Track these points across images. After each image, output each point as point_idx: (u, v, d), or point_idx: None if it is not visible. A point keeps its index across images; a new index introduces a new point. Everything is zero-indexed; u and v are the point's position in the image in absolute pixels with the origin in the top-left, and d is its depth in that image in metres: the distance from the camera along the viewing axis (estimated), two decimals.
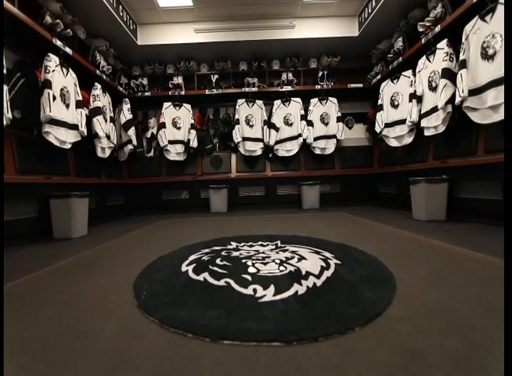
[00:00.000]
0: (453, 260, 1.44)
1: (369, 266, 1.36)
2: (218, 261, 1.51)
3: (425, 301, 0.97)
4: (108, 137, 3.79)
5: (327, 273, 1.27)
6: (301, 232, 2.34)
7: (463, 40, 2.60)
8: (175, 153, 4.62)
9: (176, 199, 4.62)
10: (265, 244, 1.93)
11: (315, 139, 4.67)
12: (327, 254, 1.58)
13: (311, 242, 1.92)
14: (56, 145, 2.82)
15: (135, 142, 4.24)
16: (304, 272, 1.28)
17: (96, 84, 3.51)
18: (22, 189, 2.22)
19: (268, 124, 4.66)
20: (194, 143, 4.58)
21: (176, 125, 4.62)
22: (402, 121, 3.70)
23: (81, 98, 3.19)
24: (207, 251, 1.76)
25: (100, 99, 3.54)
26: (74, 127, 3.07)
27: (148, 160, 4.72)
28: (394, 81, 3.88)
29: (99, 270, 1.51)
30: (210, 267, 1.40)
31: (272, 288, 1.11)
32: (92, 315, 0.97)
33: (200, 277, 1.26)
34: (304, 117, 4.64)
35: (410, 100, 3.48)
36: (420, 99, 3.34)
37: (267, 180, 4.61)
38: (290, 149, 4.69)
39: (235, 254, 1.66)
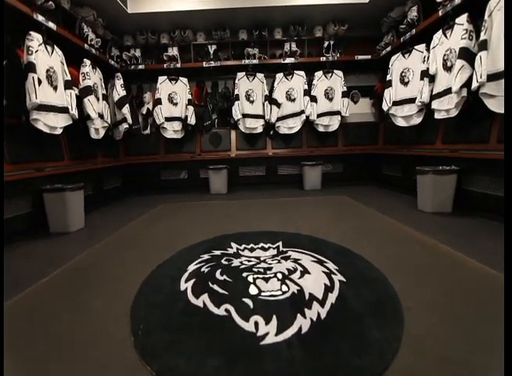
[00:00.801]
0: (461, 277, 1.39)
1: (375, 286, 1.32)
2: (217, 274, 1.47)
3: (436, 344, 0.93)
4: (101, 116, 3.61)
5: (331, 297, 1.22)
6: (302, 227, 2.28)
7: (486, 17, 2.35)
8: (173, 131, 4.45)
9: (175, 179, 4.53)
10: (266, 246, 1.87)
11: (319, 115, 4.47)
12: (331, 266, 1.53)
13: (314, 245, 1.87)
14: (46, 132, 2.67)
15: (129, 120, 4.06)
16: (307, 296, 1.24)
17: (85, 60, 3.26)
18: (14, 185, 2.12)
19: (270, 99, 4.43)
20: (192, 120, 4.39)
21: (172, 101, 4.40)
22: (412, 100, 3.49)
23: (69, 77, 2.98)
24: (206, 257, 1.71)
25: (90, 76, 3.32)
26: (64, 110, 2.90)
27: (145, 137, 4.55)
28: (406, 56, 3.61)
29: (96, 284, 1.47)
30: (210, 285, 1.36)
31: (274, 322, 1.06)
32: (87, 359, 0.93)
33: (200, 301, 1.22)
34: (307, 93, 4.40)
35: (422, 78, 3.25)
36: (432, 79, 3.12)
37: (268, 160, 4.48)
38: (292, 126, 4.51)
39: (235, 263, 1.61)
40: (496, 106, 2.32)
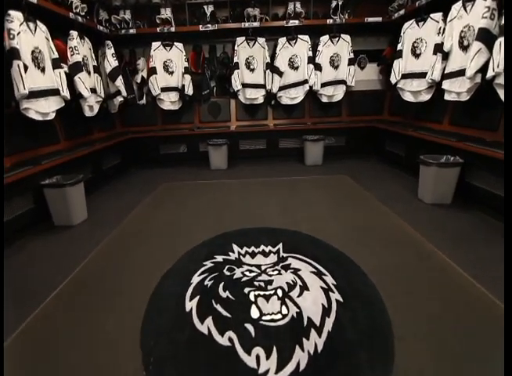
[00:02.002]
0: (457, 298, 1.46)
1: (370, 309, 1.39)
2: (220, 290, 1.53)
3: None
4: (94, 91, 3.44)
5: (328, 324, 1.29)
6: (302, 222, 2.33)
7: None
8: (170, 102, 4.28)
9: (175, 152, 4.47)
10: (266, 250, 1.93)
11: (323, 85, 4.26)
12: (329, 281, 1.59)
13: (313, 248, 1.92)
14: (39, 119, 2.57)
15: (124, 92, 3.88)
16: (305, 321, 1.31)
17: (72, 32, 3.02)
18: (13, 187, 2.10)
19: (271, 67, 4.17)
20: (189, 90, 4.19)
21: (168, 70, 4.15)
22: (422, 75, 3.31)
23: (56, 55, 2.79)
24: (209, 265, 1.77)
25: (79, 50, 3.09)
26: (55, 92, 2.76)
27: (141, 107, 4.39)
28: (420, 24, 3.32)
29: (103, 300, 1.55)
30: (214, 305, 1.43)
31: (274, 356, 1.14)
32: None
33: (205, 328, 1.29)
34: (311, 60, 4.13)
35: (435, 52, 3.04)
36: (446, 56, 2.91)
37: (269, 133, 4.37)
38: (294, 96, 4.32)
39: (237, 274, 1.67)
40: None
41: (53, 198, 2.33)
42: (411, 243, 1.99)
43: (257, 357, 1.15)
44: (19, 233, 2.26)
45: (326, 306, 1.41)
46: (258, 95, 4.35)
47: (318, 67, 4.14)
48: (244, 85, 4.26)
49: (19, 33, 2.30)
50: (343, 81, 4.27)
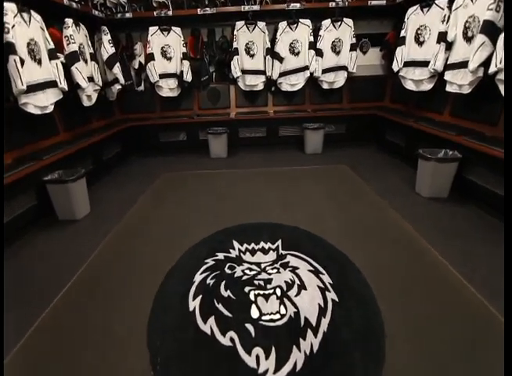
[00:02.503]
0: (446, 298, 1.53)
1: (364, 309, 1.47)
2: (222, 289, 1.61)
3: None
4: (92, 79, 3.40)
5: (324, 324, 1.37)
6: (300, 216, 2.39)
7: None
8: (168, 89, 4.23)
9: (174, 140, 4.46)
10: (266, 247, 1.99)
11: (324, 71, 4.18)
12: (325, 280, 1.66)
13: (311, 245, 1.99)
14: (38, 113, 2.57)
15: (122, 80, 3.82)
16: (302, 321, 1.39)
17: (67, 20, 2.94)
18: (15, 186, 2.13)
19: (272, 53, 4.08)
20: (188, 77, 4.12)
21: (166, 56, 4.07)
22: (425, 64, 3.26)
23: (52, 46, 2.73)
24: (210, 263, 1.84)
25: (75, 38, 3.03)
26: (52, 84, 2.73)
27: (139, 94, 4.33)
28: (424, 10, 3.24)
29: (110, 296, 1.62)
30: (216, 304, 1.51)
31: (273, 356, 1.23)
32: None
33: (207, 327, 1.37)
34: (312, 45, 4.05)
35: (438, 42, 2.98)
36: (449, 46, 2.86)
37: (269, 121, 4.33)
38: (294, 83, 4.27)
39: (238, 272, 1.74)
40: None
41: (56, 194, 2.37)
42: (406, 240, 2.06)
43: (257, 357, 1.23)
44: (23, 229, 2.31)
45: (323, 306, 1.49)
46: (258, 82, 4.29)
47: (319, 53, 4.06)
48: (244, 72, 4.19)
49: (13, 26, 2.24)
50: (344, 67, 4.20)
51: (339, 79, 4.28)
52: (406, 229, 2.18)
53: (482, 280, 1.62)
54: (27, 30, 2.44)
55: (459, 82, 2.73)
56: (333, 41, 4.08)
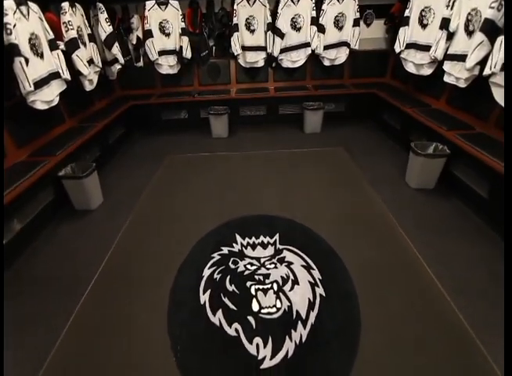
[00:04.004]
0: (418, 295, 1.82)
1: (346, 303, 1.76)
2: (227, 284, 1.89)
3: (377, 368, 1.42)
4: (92, 61, 3.41)
5: (312, 317, 1.67)
6: (297, 207, 2.62)
7: None
8: (168, 66, 4.21)
9: (176, 118, 4.52)
10: (265, 241, 2.25)
11: (326, 47, 4.13)
12: (315, 275, 1.94)
13: (304, 240, 2.25)
14: (45, 108, 2.66)
15: (121, 60, 3.82)
16: (294, 314, 1.69)
17: (63, 5, 2.90)
18: (36, 183, 2.32)
19: (273, 29, 3.99)
20: (188, 54, 4.08)
21: (164, 31, 3.99)
22: (426, 48, 3.26)
23: (52, 35, 2.75)
24: (217, 258, 2.11)
25: (73, 23, 3.00)
26: (56, 76, 2.79)
27: (138, 70, 4.31)
28: None
29: (134, 293, 1.91)
30: (222, 298, 1.80)
31: (269, 345, 1.54)
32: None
33: (216, 319, 1.68)
34: (315, 21, 3.94)
35: (441, 27, 2.96)
36: (450, 36, 2.85)
37: (269, 100, 4.36)
38: (295, 60, 4.24)
39: (240, 267, 2.01)
40: (502, 97, 2.27)
41: (71, 188, 2.57)
42: (389, 235, 2.30)
43: (257, 346, 1.54)
44: (47, 222, 2.55)
45: (312, 300, 1.78)
46: (259, 59, 4.25)
47: (321, 29, 3.97)
48: (244, 48, 4.13)
49: (15, 25, 2.25)
50: (346, 43, 4.13)
51: (340, 55, 4.23)
52: (391, 223, 2.42)
53: (452, 278, 1.89)
54: (26, 24, 2.44)
55: (457, 75, 2.78)
56: (336, 16, 3.97)
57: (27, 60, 2.35)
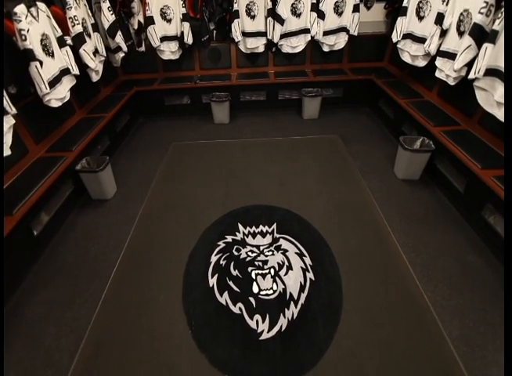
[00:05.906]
0: (392, 280, 2.15)
1: (332, 286, 2.09)
2: (232, 269, 2.22)
3: (355, 344, 1.78)
4: (97, 51, 3.53)
5: (302, 298, 2.02)
6: (292, 197, 2.90)
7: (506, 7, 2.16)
8: (170, 52, 4.29)
9: (179, 104, 4.64)
10: (264, 230, 2.56)
11: (325, 33, 4.19)
12: (307, 261, 2.27)
13: (299, 229, 2.55)
14: (59, 105, 2.84)
15: (125, 48, 3.90)
16: (288, 296, 2.03)
17: (67, 1, 2.94)
18: (59, 179, 2.57)
19: (273, 14, 4.02)
20: (189, 39, 4.15)
21: (166, 17, 4.03)
22: (421, 40, 3.37)
23: (60, 33, 2.86)
24: (222, 246, 2.42)
25: (78, 17, 3.07)
26: (66, 72, 2.94)
27: (140, 55, 4.39)
28: None
29: (151, 278, 2.25)
30: (228, 281, 2.13)
31: (267, 321, 1.89)
32: (165, 344, 1.80)
33: (223, 300, 2.02)
34: (315, 7, 3.98)
35: (436, 23, 3.06)
36: (443, 33, 2.96)
37: (268, 86, 4.47)
38: (295, 45, 4.32)
39: (243, 254, 2.33)
40: (484, 101, 2.45)
41: (88, 180, 2.82)
42: (374, 224, 2.60)
43: (257, 322, 1.90)
44: (68, 212, 2.83)
45: (303, 284, 2.11)
46: (259, 44, 4.31)
47: (321, 15, 4.01)
48: (244, 34, 4.18)
49: (28, 30, 2.38)
50: (346, 29, 4.18)
51: (339, 41, 4.29)
52: (376, 213, 2.71)
53: (423, 265, 2.22)
54: (37, 26, 2.55)
55: (447, 72, 2.92)
56: (336, 2, 3.99)
57: (41, 63, 2.50)
